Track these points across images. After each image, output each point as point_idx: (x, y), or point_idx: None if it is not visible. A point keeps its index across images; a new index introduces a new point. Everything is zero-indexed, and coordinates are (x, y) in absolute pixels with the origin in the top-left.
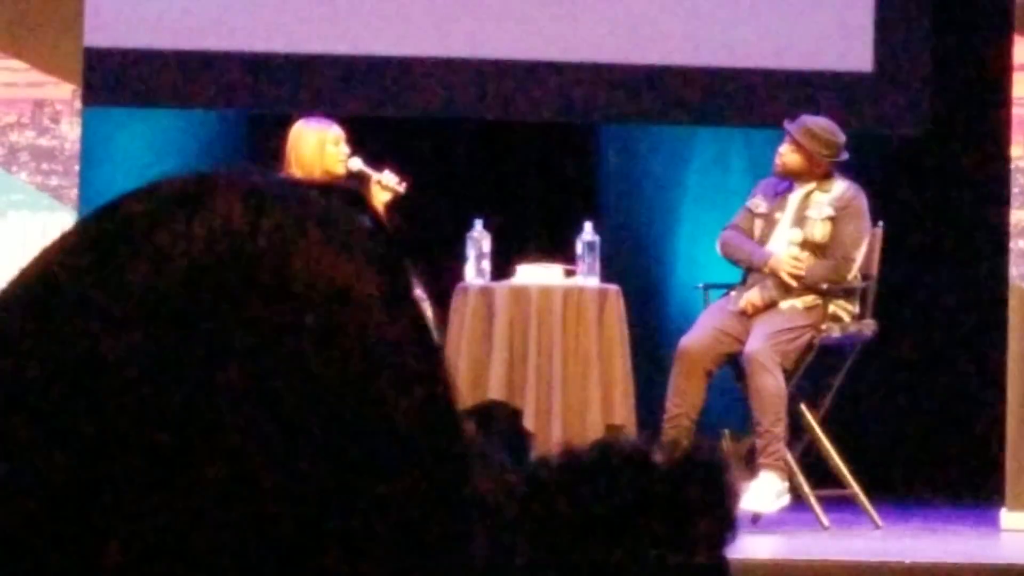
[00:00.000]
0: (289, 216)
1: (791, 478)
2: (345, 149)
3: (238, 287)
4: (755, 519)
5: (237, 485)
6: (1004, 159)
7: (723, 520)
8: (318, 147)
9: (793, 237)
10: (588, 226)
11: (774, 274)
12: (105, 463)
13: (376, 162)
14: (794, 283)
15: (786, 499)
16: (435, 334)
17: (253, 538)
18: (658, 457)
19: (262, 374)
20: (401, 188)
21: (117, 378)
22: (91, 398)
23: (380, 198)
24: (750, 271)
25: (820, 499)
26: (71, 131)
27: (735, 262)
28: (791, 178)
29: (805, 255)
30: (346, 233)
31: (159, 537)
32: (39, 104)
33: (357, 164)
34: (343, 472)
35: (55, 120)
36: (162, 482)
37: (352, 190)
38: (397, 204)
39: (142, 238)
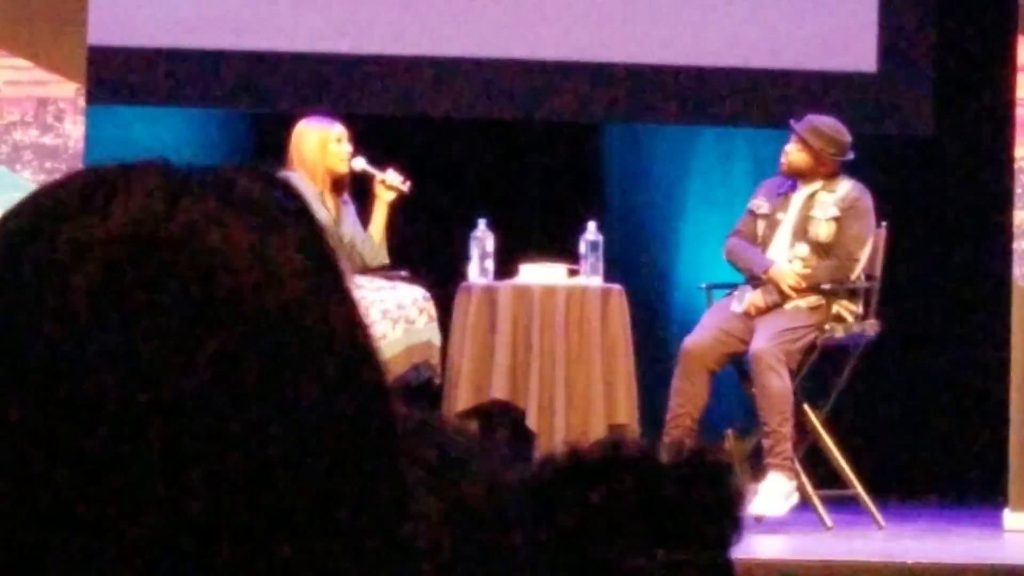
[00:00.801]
0: (207, 201)
1: (796, 478)
2: (348, 148)
3: (157, 272)
4: (759, 519)
5: (159, 465)
6: (1008, 159)
7: (729, 520)
8: (320, 146)
9: (799, 251)
10: (591, 226)
11: (773, 283)
12: (33, 448)
13: (380, 161)
14: (793, 295)
15: (795, 499)
16: (362, 312)
17: (174, 520)
18: (663, 457)
19: (185, 356)
20: (405, 187)
21: (39, 363)
22: (13, 387)
23: (384, 197)
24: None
25: (823, 499)
26: (75, 129)
27: (738, 270)
28: (797, 177)
29: (808, 271)
30: (266, 215)
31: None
32: (43, 102)
33: (360, 163)
34: (267, 449)
35: (59, 118)
36: (90, 466)
37: (274, 173)
38: (401, 203)
39: (59, 226)
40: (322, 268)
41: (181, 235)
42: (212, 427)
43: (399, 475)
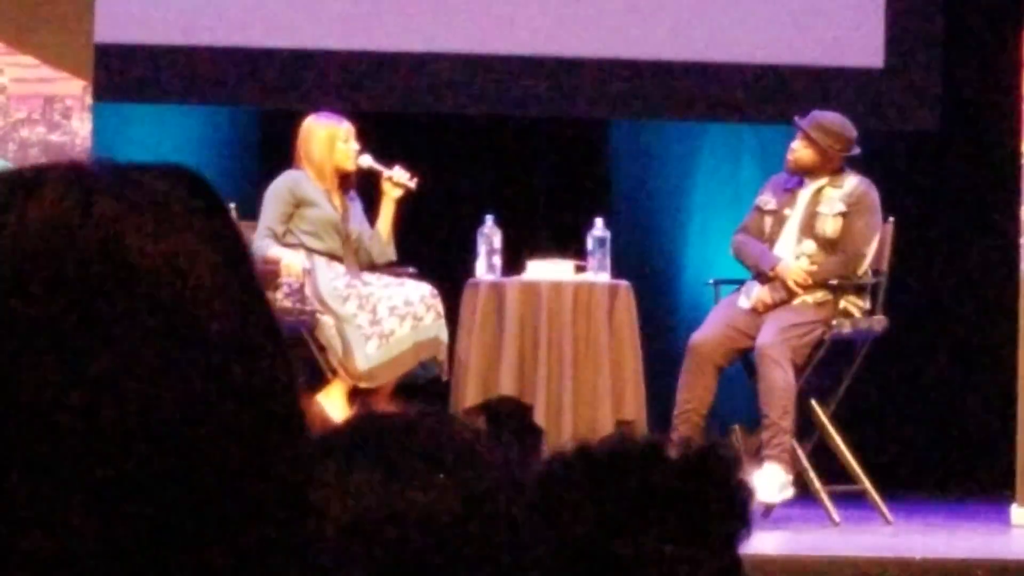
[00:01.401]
0: (120, 201)
1: (802, 473)
2: (355, 145)
3: (72, 273)
4: (766, 514)
5: (73, 469)
6: (1015, 154)
7: (737, 517)
8: (328, 143)
9: (806, 248)
10: (599, 222)
11: (780, 280)
12: None
13: (387, 158)
14: (800, 292)
15: (790, 491)
16: (266, 301)
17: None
18: (672, 452)
19: (97, 350)
20: (412, 184)
21: None
22: None
23: (391, 194)
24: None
25: (831, 495)
26: (82, 127)
27: (745, 266)
28: (804, 174)
29: (815, 267)
30: (179, 213)
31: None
32: (50, 100)
33: (367, 161)
34: (180, 442)
35: (66, 116)
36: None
37: (188, 171)
38: (408, 200)
39: None
40: (232, 262)
41: (95, 234)
42: (122, 423)
43: (300, 467)
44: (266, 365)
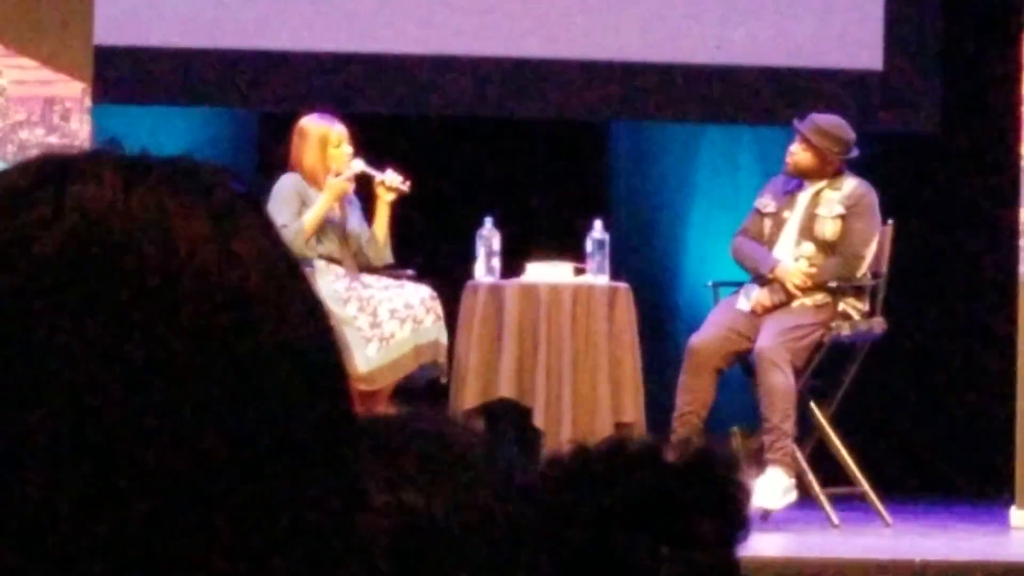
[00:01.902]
0: (160, 189)
1: (801, 476)
2: (347, 150)
3: (110, 256)
4: (764, 516)
5: (118, 446)
6: (1014, 157)
7: (735, 519)
8: (319, 147)
9: (805, 250)
10: (598, 224)
11: (779, 282)
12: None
13: (386, 160)
14: (799, 294)
15: (793, 495)
16: (317, 295)
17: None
18: (670, 455)
19: (139, 340)
20: (405, 187)
21: None
22: None
23: (385, 198)
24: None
25: (830, 497)
26: (81, 129)
27: (744, 269)
28: (803, 177)
29: (814, 270)
30: (220, 203)
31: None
32: (49, 102)
33: (359, 165)
34: (227, 429)
35: (65, 118)
36: (42, 449)
37: (227, 167)
38: (406, 202)
39: (12, 210)
40: (278, 256)
41: (134, 222)
42: (170, 411)
43: (354, 464)
44: (318, 362)
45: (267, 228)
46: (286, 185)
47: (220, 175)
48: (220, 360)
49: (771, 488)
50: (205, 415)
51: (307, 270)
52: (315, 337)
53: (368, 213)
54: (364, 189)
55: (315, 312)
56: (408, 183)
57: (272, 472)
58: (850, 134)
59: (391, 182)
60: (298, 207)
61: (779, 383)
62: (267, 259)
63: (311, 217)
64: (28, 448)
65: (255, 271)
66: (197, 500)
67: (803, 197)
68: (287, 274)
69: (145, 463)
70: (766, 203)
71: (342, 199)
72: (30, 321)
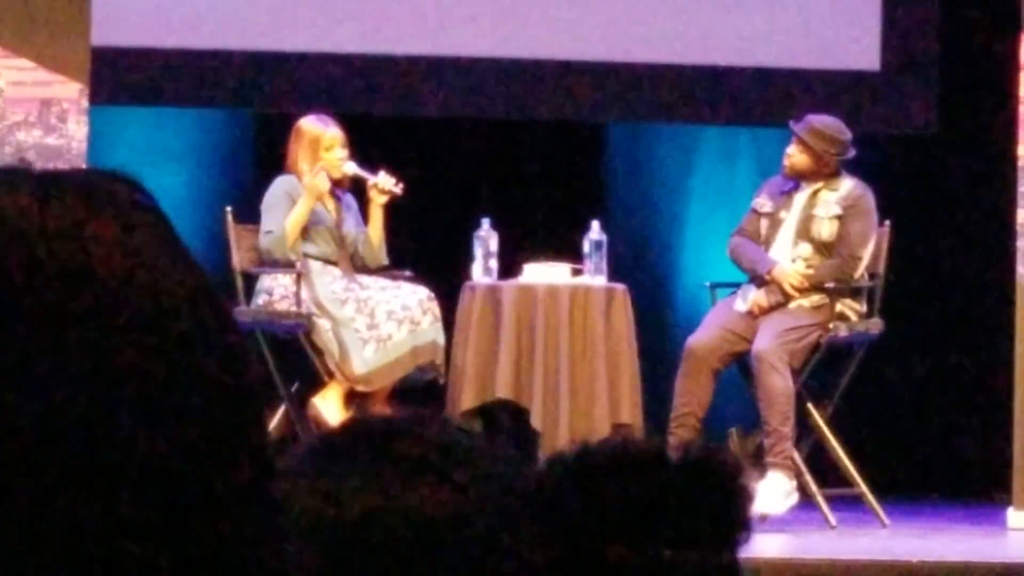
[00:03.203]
0: (77, 198)
1: (798, 477)
2: (340, 153)
3: (30, 267)
4: (762, 518)
5: (27, 457)
6: (1011, 158)
7: (737, 521)
8: (311, 149)
9: (802, 251)
10: (595, 225)
11: (776, 283)
12: None
13: (385, 161)
14: (796, 295)
15: (794, 499)
16: (219, 297)
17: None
18: (672, 456)
19: (55, 347)
20: (398, 189)
21: None
22: None
23: (378, 200)
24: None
25: (827, 498)
26: (78, 130)
27: (742, 269)
28: (800, 179)
29: (811, 271)
30: (127, 212)
31: None
32: (46, 103)
33: (352, 168)
34: (144, 443)
35: (62, 119)
36: None
37: (127, 174)
38: (402, 203)
39: None
40: (179, 258)
41: (53, 232)
42: (82, 416)
43: (263, 444)
44: (227, 361)
45: (168, 233)
46: (276, 189)
47: (125, 187)
48: (131, 365)
49: (773, 492)
50: (115, 422)
51: (291, 271)
52: (222, 340)
53: (363, 215)
54: (358, 192)
55: (219, 314)
56: (401, 185)
57: (177, 471)
58: (846, 134)
59: (383, 184)
60: (287, 211)
61: (777, 385)
62: (171, 262)
63: (292, 221)
64: None
65: (158, 274)
66: (100, 497)
67: (800, 198)
68: (191, 275)
69: (48, 469)
70: (763, 204)
71: (337, 201)
72: None
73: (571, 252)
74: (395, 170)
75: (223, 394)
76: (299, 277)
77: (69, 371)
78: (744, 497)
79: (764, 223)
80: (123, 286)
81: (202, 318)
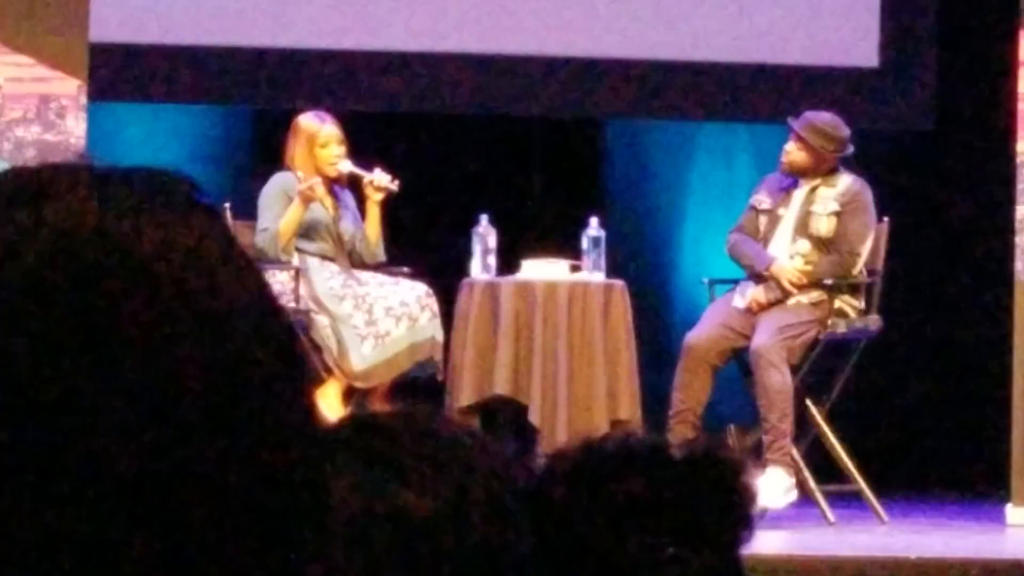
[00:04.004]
0: (134, 195)
1: (797, 474)
2: (336, 150)
3: (96, 265)
4: (762, 512)
5: (92, 452)
6: (1010, 155)
7: (741, 519)
8: (307, 146)
9: (800, 248)
10: (594, 221)
11: (775, 280)
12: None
13: (383, 157)
14: (794, 291)
15: (794, 495)
16: (273, 294)
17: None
18: (675, 453)
19: (122, 345)
20: (394, 186)
21: None
22: None
23: (374, 198)
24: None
25: (826, 494)
26: (77, 126)
27: (740, 266)
28: (798, 175)
29: (809, 267)
30: (184, 209)
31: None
32: (45, 99)
33: (347, 166)
34: (201, 425)
35: (61, 115)
36: (16, 453)
37: (185, 175)
38: (403, 200)
39: None
40: (235, 255)
41: (112, 230)
42: (145, 410)
43: (316, 443)
44: (282, 359)
45: (231, 238)
46: (273, 187)
47: (185, 186)
48: (193, 368)
49: (772, 487)
50: (183, 426)
51: (283, 271)
52: (283, 345)
53: (361, 212)
54: (355, 189)
55: (274, 313)
56: (396, 182)
57: (236, 469)
58: (845, 131)
59: (379, 182)
60: (283, 208)
61: (776, 382)
62: (228, 259)
63: (285, 223)
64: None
65: (218, 269)
66: (160, 493)
67: (798, 194)
68: (248, 269)
69: (111, 466)
70: (762, 200)
71: (334, 198)
72: (10, 329)
73: (569, 248)
74: (394, 167)
75: (282, 388)
76: (297, 273)
77: (132, 370)
78: (747, 495)
79: (763, 220)
80: (182, 284)
81: (260, 314)
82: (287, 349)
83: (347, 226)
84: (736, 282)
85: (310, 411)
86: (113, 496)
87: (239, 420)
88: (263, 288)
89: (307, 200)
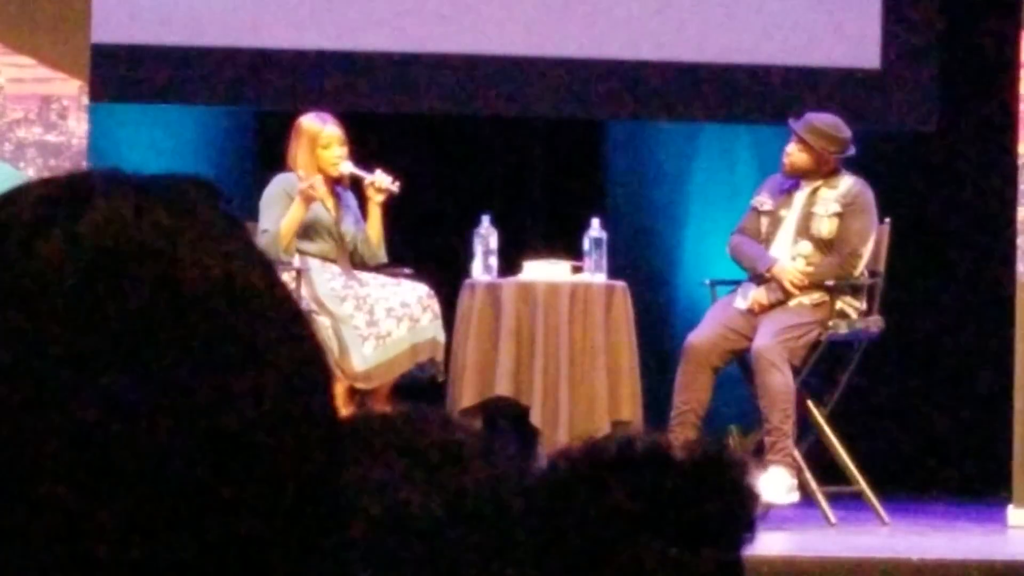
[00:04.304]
0: (170, 208)
1: (798, 475)
2: (338, 151)
3: (131, 280)
4: (764, 512)
5: (131, 462)
6: (1011, 155)
7: (742, 520)
8: (308, 147)
9: (802, 249)
10: (595, 222)
11: (776, 281)
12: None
13: (384, 158)
14: (796, 292)
15: (796, 495)
16: (303, 311)
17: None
18: (678, 454)
19: (161, 362)
20: (394, 187)
21: (19, 381)
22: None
23: (375, 199)
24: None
25: (827, 495)
26: (78, 127)
27: (742, 267)
28: (800, 177)
29: (811, 269)
30: (221, 222)
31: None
32: (46, 100)
33: (348, 167)
34: (224, 451)
35: (62, 116)
36: (55, 462)
37: (212, 182)
38: (401, 200)
39: (25, 248)
40: (271, 275)
41: (151, 242)
42: (181, 424)
43: (340, 462)
44: (309, 375)
45: (252, 246)
46: (274, 188)
47: (213, 195)
48: (228, 382)
49: (775, 486)
50: (217, 443)
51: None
52: (307, 354)
53: (363, 213)
54: (356, 190)
55: (301, 326)
56: (397, 183)
57: (264, 489)
58: (845, 132)
59: (380, 183)
60: (284, 210)
61: (778, 383)
62: (263, 273)
63: (285, 224)
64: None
65: (253, 285)
66: (182, 509)
67: (800, 196)
68: (283, 295)
69: (138, 482)
70: (763, 201)
71: (335, 199)
72: (52, 341)
73: (571, 249)
74: (396, 167)
75: (304, 389)
76: (299, 274)
77: (158, 374)
78: (749, 496)
79: (764, 221)
80: (212, 294)
81: (282, 320)
82: (309, 349)
83: (348, 227)
84: (738, 283)
85: (331, 418)
86: (148, 513)
87: (260, 419)
88: (286, 296)
89: (308, 199)
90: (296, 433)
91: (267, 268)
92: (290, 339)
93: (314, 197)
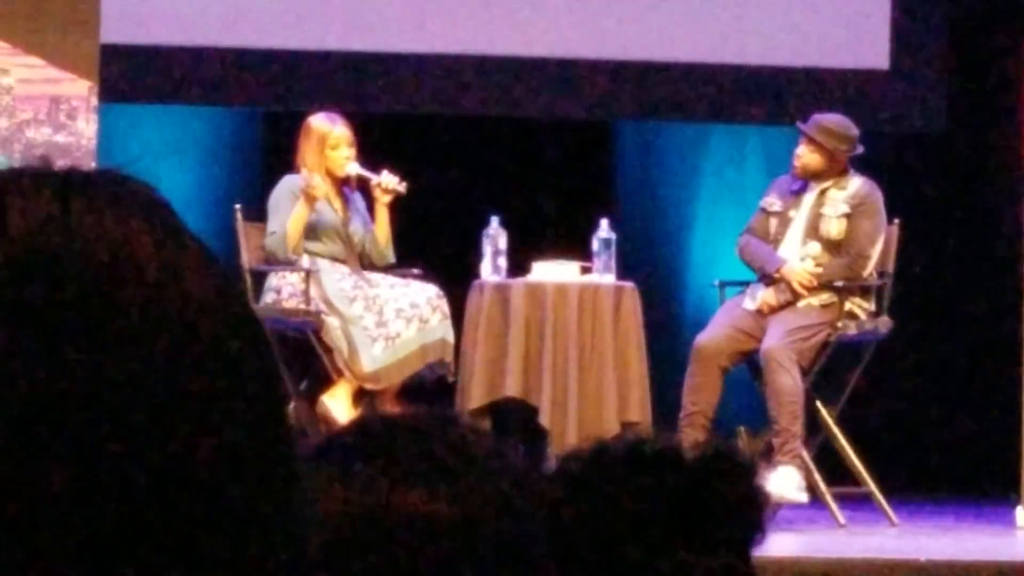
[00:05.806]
0: (98, 200)
1: (807, 476)
2: (346, 151)
3: (61, 273)
4: (774, 510)
5: (77, 471)
6: (1020, 156)
7: (751, 521)
8: (317, 148)
9: (811, 250)
10: (604, 223)
11: (785, 281)
12: None
13: (394, 158)
14: (805, 293)
15: (805, 496)
16: (250, 303)
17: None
18: (687, 455)
19: (89, 351)
20: (401, 188)
21: None
22: None
23: (383, 200)
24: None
25: (836, 496)
26: (87, 128)
27: (751, 268)
28: (812, 179)
29: (820, 270)
30: (151, 210)
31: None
32: (56, 101)
33: (355, 168)
34: (169, 437)
35: (71, 117)
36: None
37: (139, 175)
38: (414, 201)
39: None
40: (199, 257)
41: (79, 234)
42: (116, 421)
43: (291, 465)
44: (255, 371)
45: (192, 237)
46: (281, 188)
47: (142, 186)
48: (161, 362)
49: (785, 484)
50: (147, 422)
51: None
52: (252, 335)
53: (371, 214)
54: (364, 191)
55: (246, 321)
56: (404, 184)
57: (205, 484)
58: (854, 130)
59: (387, 184)
60: (291, 210)
61: (787, 384)
62: (201, 261)
63: (292, 223)
64: None
65: (192, 275)
66: (121, 505)
67: (809, 196)
68: (219, 277)
69: (87, 475)
70: (772, 202)
71: (344, 199)
72: None
73: (580, 250)
74: (405, 168)
75: (254, 394)
76: (308, 275)
77: (100, 376)
78: (758, 497)
79: (773, 222)
80: (151, 288)
81: (229, 316)
82: (259, 352)
83: (357, 228)
84: (746, 284)
85: (281, 426)
86: (75, 509)
87: (208, 427)
88: (232, 291)
89: (311, 199)
90: (234, 422)
91: (197, 256)
92: (231, 332)
93: (316, 196)
